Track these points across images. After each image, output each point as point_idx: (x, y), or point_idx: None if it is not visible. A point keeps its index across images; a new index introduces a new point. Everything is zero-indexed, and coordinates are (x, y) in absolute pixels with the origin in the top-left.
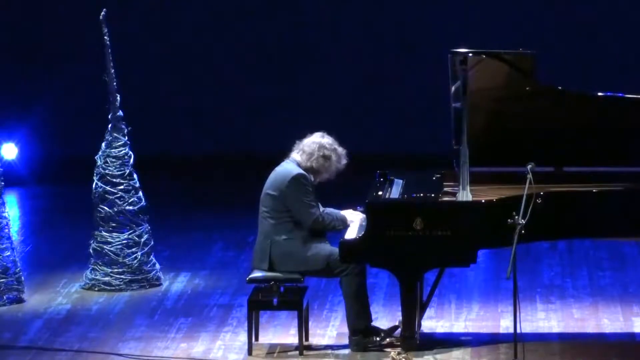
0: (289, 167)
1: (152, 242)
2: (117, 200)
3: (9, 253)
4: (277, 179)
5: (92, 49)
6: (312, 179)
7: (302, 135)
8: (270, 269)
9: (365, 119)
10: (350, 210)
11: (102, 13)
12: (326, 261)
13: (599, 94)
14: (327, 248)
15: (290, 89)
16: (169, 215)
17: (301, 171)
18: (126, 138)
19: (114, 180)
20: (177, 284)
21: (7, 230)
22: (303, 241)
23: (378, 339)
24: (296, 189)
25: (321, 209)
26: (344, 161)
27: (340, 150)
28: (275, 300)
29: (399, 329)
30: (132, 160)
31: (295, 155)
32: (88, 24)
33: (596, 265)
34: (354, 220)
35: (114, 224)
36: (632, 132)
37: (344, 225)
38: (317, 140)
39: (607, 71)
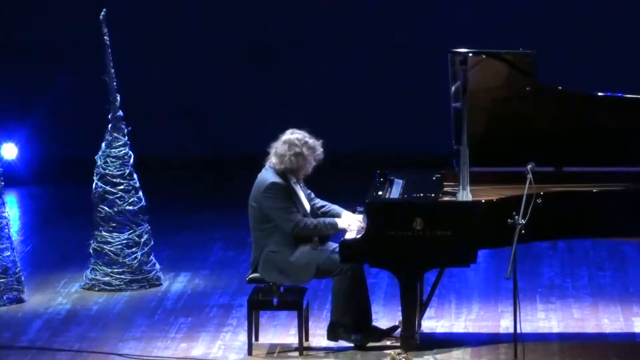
0: (264, 175)
1: (152, 242)
2: (117, 200)
3: (9, 253)
4: (254, 190)
5: (92, 49)
6: (293, 179)
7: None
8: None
9: (364, 119)
10: (349, 214)
11: (102, 13)
12: (314, 271)
13: (599, 94)
14: (315, 258)
15: (290, 89)
16: (169, 215)
17: (273, 179)
18: (126, 138)
19: (114, 180)
20: (177, 284)
21: (7, 230)
22: (291, 252)
23: (356, 338)
24: (270, 199)
25: (323, 204)
26: (319, 151)
27: (312, 142)
28: (275, 300)
29: (399, 329)
30: (132, 160)
31: (272, 158)
32: (88, 24)
33: (596, 265)
34: (351, 225)
35: (114, 224)
36: (632, 132)
37: (335, 230)
38: (287, 138)
39: (607, 71)
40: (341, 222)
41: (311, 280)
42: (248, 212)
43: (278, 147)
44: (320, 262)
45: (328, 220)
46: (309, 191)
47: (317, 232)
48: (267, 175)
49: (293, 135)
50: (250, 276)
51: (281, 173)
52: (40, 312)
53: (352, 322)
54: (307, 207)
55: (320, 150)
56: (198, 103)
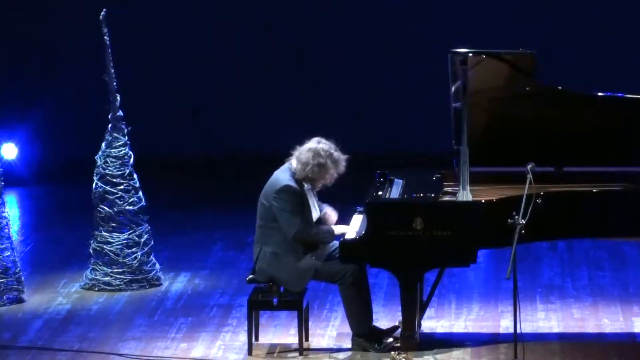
0: (280, 176)
1: (152, 242)
2: (117, 200)
3: (9, 253)
4: (267, 188)
5: (92, 49)
6: (310, 186)
7: (301, 135)
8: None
9: (365, 119)
10: (342, 226)
11: (102, 13)
12: (306, 282)
13: (599, 94)
14: (313, 265)
15: (290, 89)
16: (169, 215)
17: (288, 182)
18: (126, 138)
19: (114, 180)
20: (177, 284)
21: (7, 230)
22: (290, 257)
23: (379, 346)
24: (281, 201)
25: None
26: (342, 166)
27: (337, 155)
28: (275, 300)
29: (399, 329)
30: (132, 160)
31: (293, 162)
32: (88, 24)
33: (596, 265)
34: (346, 231)
35: (114, 224)
36: (632, 132)
37: (332, 237)
38: (313, 147)
39: (607, 71)
40: (337, 229)
41: (303, 288)
42: (257, 208)
43: (302, 154)
44: (319, 266)
45: (326, 227)
46: (317, 198)
47: (316, 239)
48: (283, 176)
49: (320, 144)
50: (250, 277)
51: (299, 179)
52: (40, 312)
53: (369, 328)
54: (316, 214)
55: (343, 165)
56: (198, 103)
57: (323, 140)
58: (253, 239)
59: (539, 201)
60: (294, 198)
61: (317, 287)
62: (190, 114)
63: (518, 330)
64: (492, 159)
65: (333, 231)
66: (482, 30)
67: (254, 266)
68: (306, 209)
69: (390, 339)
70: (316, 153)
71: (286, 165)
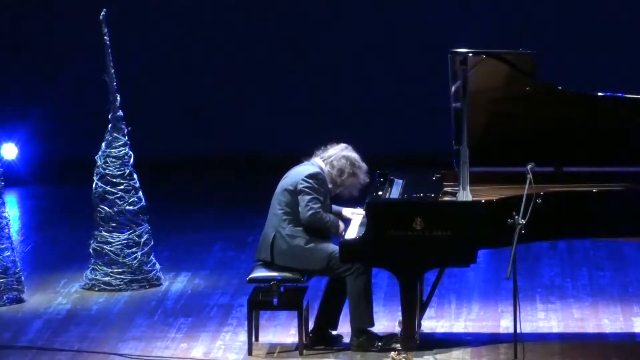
0: (309, 167)
1: (152, 242)
2: (117, 200)
3: (9, 253)
4: (294, 176)
5: (92, 49)
6: (332, 187)
7: (300, 136)
8: (271, 263)
9: (365, 119)
10: (349, 210)
11: (102, 13)
12: (327, 261)
13: (599, 94)
14: (329, 247)
15: (290, 89)
16: (169, 215)
17: (320, 172)
18: (126, 138)
19: (114, 180)
20: (177, 284)
21: (7, 230)
22: (306, 240)
23: (380, 344)
24: (309, 184)
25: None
26: (366, 179)
27: (365, 167)
28: (275, 300)
29: (399, 333)
30: (132, 160)
31: (321, 163)
32: (88, 24)
33: (596, 265)
34: (352, 219)
35: (114, 224)
36: (632, 132)
37: (337, 231)
38: (347, 155)
39: (608, 71)
40: (341, 225)
41: (324, 267)
42: (275, 197)
43: (336, 160)
44: (334, 252)
45: (335, 218)
46: None
47: (328, 227)
48: (313, 168)
49: (352, 153)
50: (250, 276)
51: (332, 183)
52: (40, 312)
53: (372, 324)
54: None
55: (367, 179)
56: (198, 103)
57: (350, 148)
58: (254, 239)
59: (539, 201)
60: (322, 187)
61: (317, 287)
62: (190, 114)
63: (518, 330)
64: (492, 159)
65: (339, 225)
66: (482, 30)
67: (271, 252)
68: (327, 202)
69: (390, 338)
70: (352, 162)
71: (312, 163)
